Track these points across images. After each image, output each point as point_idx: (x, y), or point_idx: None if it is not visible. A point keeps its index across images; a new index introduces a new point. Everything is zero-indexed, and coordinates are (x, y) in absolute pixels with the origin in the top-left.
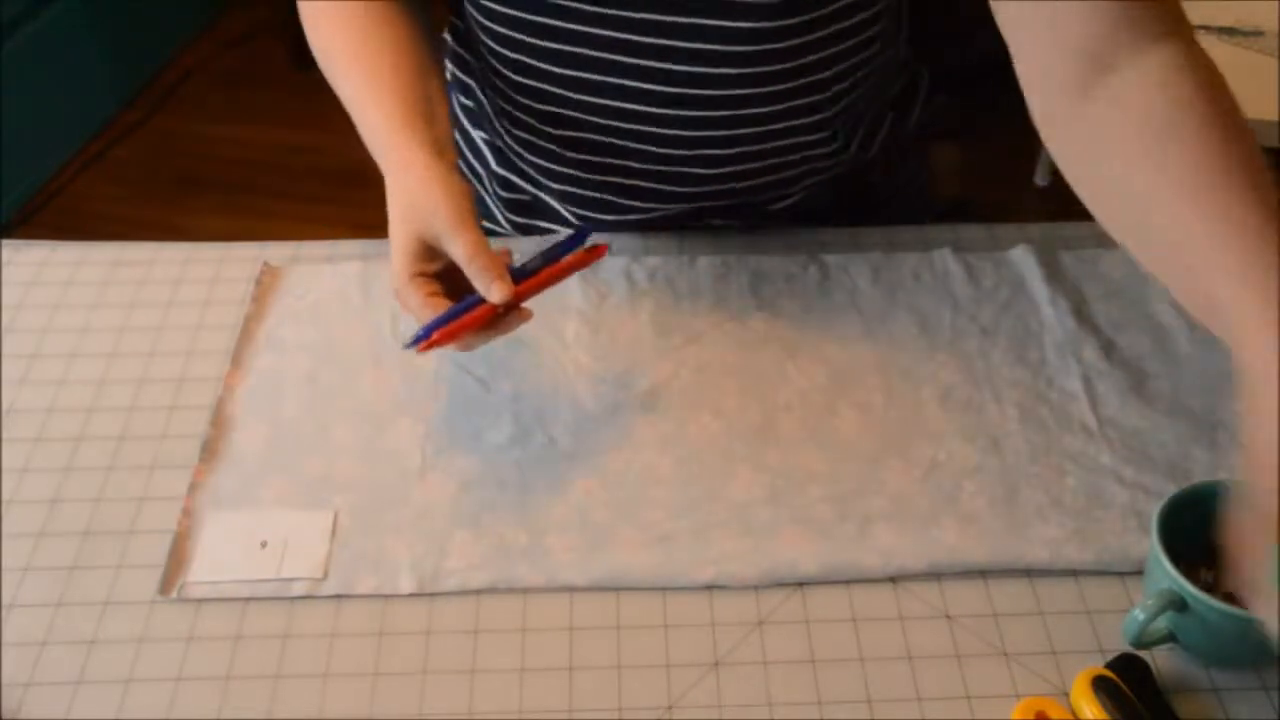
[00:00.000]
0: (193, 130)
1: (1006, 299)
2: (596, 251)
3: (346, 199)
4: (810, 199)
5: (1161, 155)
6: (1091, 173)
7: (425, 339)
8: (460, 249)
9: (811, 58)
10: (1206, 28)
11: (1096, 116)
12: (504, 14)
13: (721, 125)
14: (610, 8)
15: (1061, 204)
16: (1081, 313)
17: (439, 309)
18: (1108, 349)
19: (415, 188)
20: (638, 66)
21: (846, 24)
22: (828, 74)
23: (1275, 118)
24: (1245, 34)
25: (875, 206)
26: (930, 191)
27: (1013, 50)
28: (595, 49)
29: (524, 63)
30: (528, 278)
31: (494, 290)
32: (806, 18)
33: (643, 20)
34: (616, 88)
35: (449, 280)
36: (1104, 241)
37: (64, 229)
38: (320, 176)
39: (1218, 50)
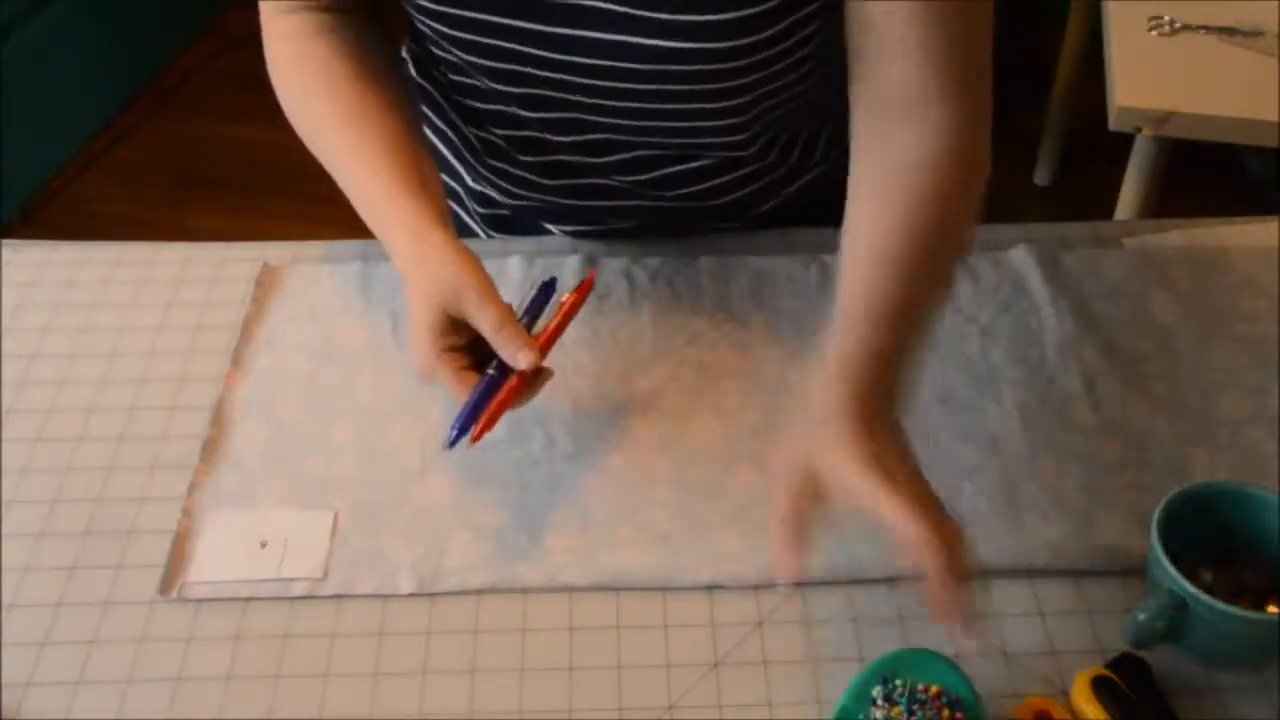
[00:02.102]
0: (193, 130)
1: (1006, 299)
2: (587, 285)
3: (346, 199)
4: (798, 199)
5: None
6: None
7: (462, 434)
8: (489, 321)
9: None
10: (1206, 28)
11: (878, 149)
12: (457, 38)
13: (670, 134)
14: (554, 25)
15: (1061, 204)
16: (1081, 313)
17: (469, 382)
18: (1108, 349)
19: (436, 263)
20: (586, 85)
21: (779, 48)
22: (746, 97)
23: (1275, 118)
24: (1245, 34)
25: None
26: None
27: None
28: (547, 69)
29: (483, 88)
30: (538, 336)
31: (522, 357)
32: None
33: (585, 36)
34: (573, 104)
35: (475, 350)
36: (1104, 241)
37: (64, 229)
38: (320, 176)
39: (1218, 50)
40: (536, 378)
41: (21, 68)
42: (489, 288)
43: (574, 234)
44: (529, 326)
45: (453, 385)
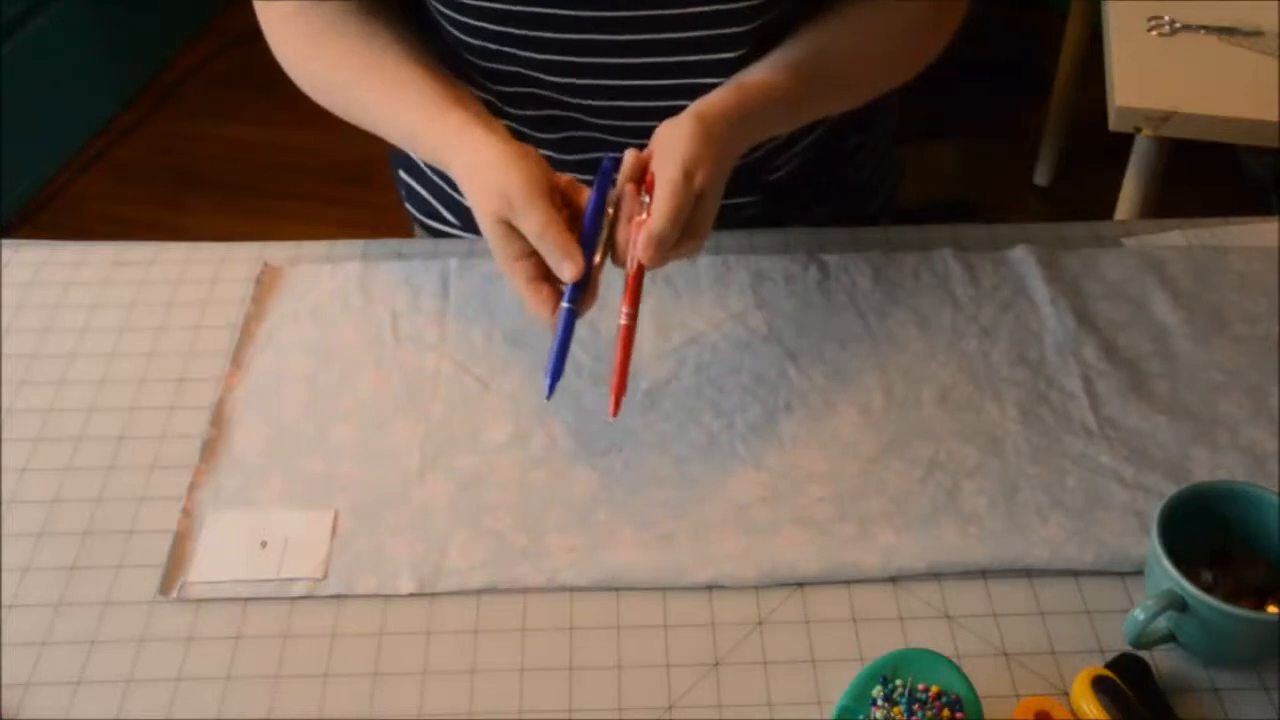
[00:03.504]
0: (193, 130)
1: (1006, 299)
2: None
3: (346, 199)
4: (807, 162)
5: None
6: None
7: (555, 381)
8: (530, 225)
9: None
10: (1206, 28)
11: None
12: (487, 29)
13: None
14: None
15: (1061, 204)
16: (1081, 313)
17: (543, 295)
18: (1108, 349)
19: (483, 169)
20: (619, 42)
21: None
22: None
23: (1275, 118)
24: (1245, 34)
25: (850, 171)
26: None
27: None
28: (582, 30)
29: (515, 73)
30: (590, 242)
31: (565, 268)
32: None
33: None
34: (602, 68)
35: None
36: (1104, 241)
37: (64, 229)
38: (320, 176)
39: (1218, 50)
40: (588, 295)
41: (21, 68)
42: (533, 189)
43: None
44: (598, 225)
45: (524, 298)
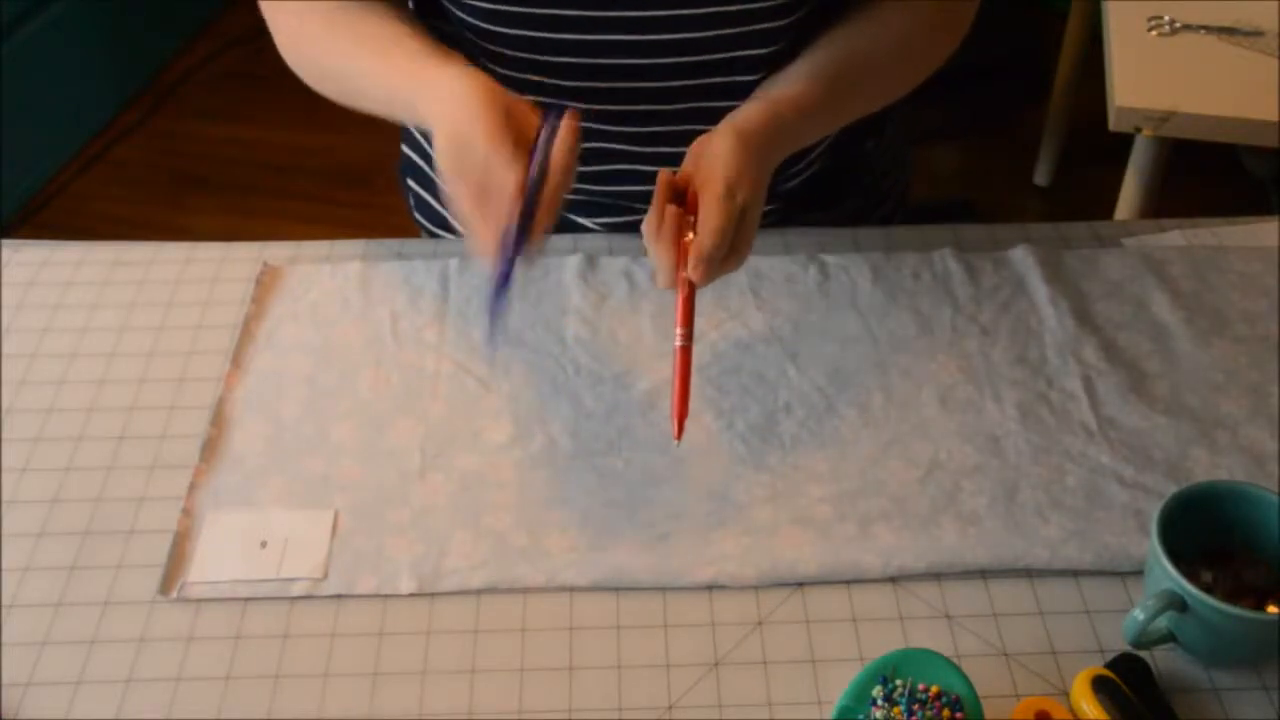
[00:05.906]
0: (193, 130)
1: (1006, 299)
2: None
3: (346, 199)
4: (818, 174)
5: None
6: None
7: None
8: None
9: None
10: (1206, 28)
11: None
12: (508, 41)
13: (723, 94)
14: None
15: (1061, 204)
16: (1081, 313)
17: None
18: (1108, 349)
19: (452, 106)
20: (633, 42)
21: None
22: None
23: (1275, 118)
24: (1245, 34)
25: (866, 173)
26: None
27: None
28: (599, 40)
29: (539, 82)
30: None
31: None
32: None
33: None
34: (624, 72)
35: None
36: (1104, 241)
37: (64, 229)
38: (320, 176)
39: (1218, 50)
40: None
41: (21, 68)
42: (495, 130)
43: (604, 226)
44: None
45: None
